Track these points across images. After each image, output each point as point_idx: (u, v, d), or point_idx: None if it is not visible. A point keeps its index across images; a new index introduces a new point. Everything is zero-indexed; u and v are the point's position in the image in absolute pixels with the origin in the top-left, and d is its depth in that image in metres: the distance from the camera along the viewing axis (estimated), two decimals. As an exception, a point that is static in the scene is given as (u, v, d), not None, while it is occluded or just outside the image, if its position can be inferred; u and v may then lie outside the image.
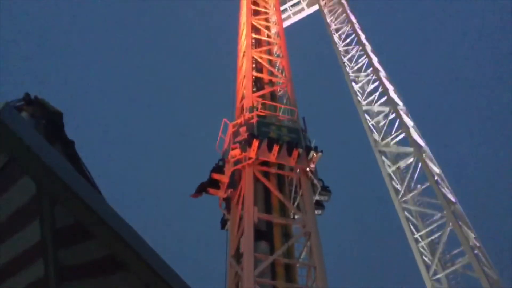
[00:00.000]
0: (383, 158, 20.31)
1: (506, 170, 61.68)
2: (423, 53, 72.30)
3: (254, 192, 12.21)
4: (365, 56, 24.51)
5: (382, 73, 23.53)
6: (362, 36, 25.91)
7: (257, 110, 13.81)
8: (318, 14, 30.96)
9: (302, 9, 31.80)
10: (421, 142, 20.10)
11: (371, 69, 23.76)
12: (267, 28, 19.67)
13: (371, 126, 21.73)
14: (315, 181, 12.95)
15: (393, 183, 19.34)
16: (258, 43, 18.58)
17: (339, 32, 27.40)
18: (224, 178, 12.75)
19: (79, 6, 70.41)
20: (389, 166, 19.85)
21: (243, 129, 13.00)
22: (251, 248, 10.87)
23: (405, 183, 18.86)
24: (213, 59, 65.40)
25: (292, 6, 31.60)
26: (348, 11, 27.68)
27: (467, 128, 67.45)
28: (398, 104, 21.69)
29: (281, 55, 18.23)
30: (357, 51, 25.23)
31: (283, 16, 28.95)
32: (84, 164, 3.58)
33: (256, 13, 20.54)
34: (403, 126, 20.36)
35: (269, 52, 18.30)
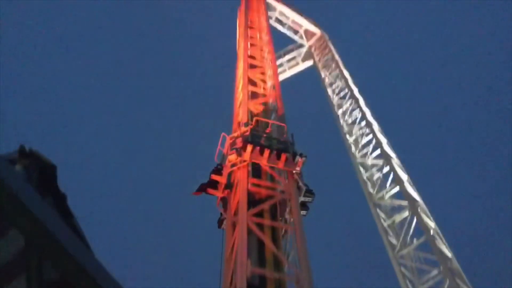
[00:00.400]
0: (378, 211, 20.17)
1: (502, 223, 61.35)
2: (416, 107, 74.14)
3: (248, 244, 12.02)
4: (358, 109, 25.01)
5: (376, 127, 23.91)
6: (355, 90, 26.56)
7: (251, 125, 15.93)
8: (313, 68, 31.95)
9: (297, 64, 32.84)
10: (415, 195, 20.06)
11: (364, 122, 24.16)
12: (263, 81, 20.28)
13: (365, 179, 21.77)
14: (301, 184, 14.59)
15: (389, 237, 19.08)
16: (254, 95, 19.18)
17: (333, 86, 28.13)
18: (222, 179, 14.58)
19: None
20: (384, 220, 19.67)
21: (239, 140, 15.07)
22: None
23: (401, 238, 18.61)
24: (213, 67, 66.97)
25: (288, 61, 32.67)
26: (341, 67, 28.57)
27: (460, 179, 67.80)
28: (392, 158, 21.85)
29: (276, 107, 18.66)
30: (350, 105, 25.77)
31: (279, 70, 29.82)
32: (76, 218, 3.51)
33: (252, 66, 21.15)
34: (397, 180, 20.40)
35: (265, 104, 18.85)
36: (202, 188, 14.66)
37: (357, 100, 25.56)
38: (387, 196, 20.40)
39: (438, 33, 76.75)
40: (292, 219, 13.68)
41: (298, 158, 14.69)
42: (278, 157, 14.53)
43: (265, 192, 14.22)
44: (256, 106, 18.14)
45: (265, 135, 15.26)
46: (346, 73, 28.05)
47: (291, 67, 32.73)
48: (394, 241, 18.92)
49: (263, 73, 21.02)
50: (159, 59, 76.10)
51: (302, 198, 14.45)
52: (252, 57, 21.87)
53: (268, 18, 29.18)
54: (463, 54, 73.48)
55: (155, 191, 67.46)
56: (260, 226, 13.02)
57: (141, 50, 76.11)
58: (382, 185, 20.90)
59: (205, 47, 75.07)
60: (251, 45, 22.82)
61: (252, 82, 19.58)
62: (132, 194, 67.78)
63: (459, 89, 72.92)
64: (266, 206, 13.65)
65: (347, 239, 60.98)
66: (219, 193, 14.58)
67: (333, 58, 29.77)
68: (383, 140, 23.04)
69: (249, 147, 14.38)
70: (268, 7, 30.80)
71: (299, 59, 32.91)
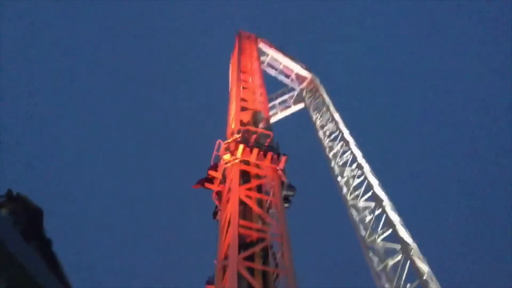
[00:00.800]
0: (371, 255, 19.91)
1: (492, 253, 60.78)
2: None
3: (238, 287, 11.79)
4: (349, 151, 25.21)
5: (367, 168, 24.03)
6: (346, 133, 26.89)
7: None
8: (305, 111, 32.46)
9: (289, 106, 33.40)
10: (408, 238, 19.89)
11: (355, 164, 24.30)
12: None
13: (357, 221, 21.63)
14: (283, 178, 16.85)
15: (382, 282, 18.71)
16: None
17: (324, 129, 28.49)
18: (218, 175, 16.79)
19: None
20: (377, 265, 19.37)
21: (232, 144, 17.29)
22: None
23: (394, 282, 18.27)
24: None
25: (279, 103, 33.25)
26: (332, 110, 29.07)
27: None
28: (383, 200, 21.83)
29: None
30: (341, 147, 26.01)
31: (271, 112, 30.27)
32: (60, 265, 3.43)
33: (244, 109, 21.44)
34: (389, 222, 20.28)
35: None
36: (201, 182, 16.92)
37: (347, 143, 25.83)
38: (379, 239, 20.20)
39: (426, 63, 78.99)
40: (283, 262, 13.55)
41: (282, 157, 17.11)
42: (265, 155, 16.84)
43: (256, 234, 14.07)
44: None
45: (254, 140, 17.33)
46: (337, 116, 28.50)
47: (283, 109, 33.25)
48: (387, 286, 18.55)
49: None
50: (158, 60, 77.21)
51: (285, 192, 16.73)
52: (244, 99, 22.23)
53: (261, 62, 29.92)
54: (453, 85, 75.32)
55: (154, 190, 67.28)
56: (251, 270, 12.77)
57: (139, 49, 77.31)
58: (374, 228, 20.75)
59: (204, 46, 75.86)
60: (243, 88, 23.26)
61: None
62: (128, 194, 67.23)
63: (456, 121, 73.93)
64: (257, 249, 13.46)
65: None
66: (215, 187, 16.80)
67: (324, 101, 30.33)
68: (375, 182, 23.09)
69: (241, 146, 16.62)
70: (261, 52, 31.65)
71: (290, 102, 33.49)
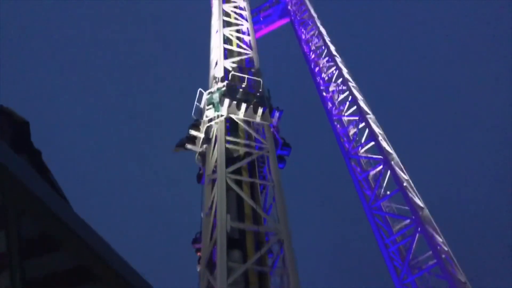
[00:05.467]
0: (354, 165, 20.73)
1: (470, 172, 63.86)
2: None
3: (227, 200, 12.25)
4: (335, 67, 25.05)
5: (352, 83, 24.10)
6: (332, 48, 26.49)
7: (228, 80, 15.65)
8: (290, 25, 31.49)
9: (274, 21, 32.28)
10: (390, 149, 20.63)
11: (341, 79, 24.30)
12: (239, 39, 19.81)
13: (341, 134, 22.18)
14: (278, 137, 14.88)
15: (363, 190, 19.74)
16: (230, 54, 18.74)
17: (310, 44, 27.93)
18: (200, 134, 14.60)
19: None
20: (360, 174, 20.27)
21: (215, 95, 14.87)
22: (224, 257, 10.87)
23: (375, 190, 19.28)
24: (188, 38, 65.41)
25: (264, 17, 32.04)
26: (318, 24, 28.27)
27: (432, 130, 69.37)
28: (367, 113, 22.23)
29: (253, 66, 18.38)
30: (327, 62, 25.76)
31: (255, 27, 29.25)
32: (51, 173, 3.55)
33: (228, 24, 20.70)
34: (372, 135, 20.87)
35: (241, 63, 18.48)
36: (182, 143, 14.72)
37: (334, 58, 25.55)
38: (362, 151, 20.91)
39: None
40: (270, 175, 13.92)
41: (276, 113, 14.94)
42: (255, 111, 14.56)
43: (242, 149, 14.33)
44: (232, 64, 17.78)
45: (241, 89, 15.14)
46: (323, 31, 27.82)
47: (267, 24, 32.17)
48: (368, 193, 19.60)
49: (238, 31, 20.58)
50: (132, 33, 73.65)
51: (279, 152, 14.72)
52: (227, 14, 21.37)
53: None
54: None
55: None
56: (239, 182, 13.25)
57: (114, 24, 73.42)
58: (358, 140, 21.37)
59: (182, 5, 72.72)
60: (226, 1, 22.21)
61: (227, 40, 19.11)
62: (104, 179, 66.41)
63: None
64: (244, 163, 13.81)
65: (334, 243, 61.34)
66: (197, 148, 14.67)
67: (310, 15, 29.37)
68: (359, 97, 23.32)
69: (226, 101, 14.34)
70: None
71: (275, 16, 32.32)
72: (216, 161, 13.54)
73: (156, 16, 75.59)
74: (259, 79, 16.12)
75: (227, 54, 18.61)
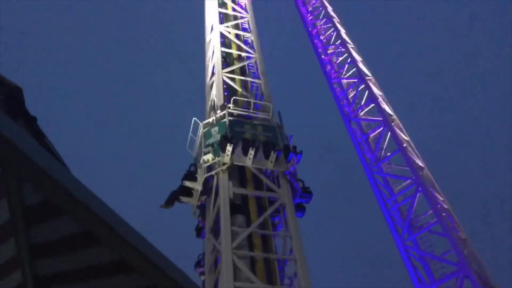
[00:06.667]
0: (353, 127, 20.70)
1: (470, 133, 63.94)
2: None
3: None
4: (333, 28, 24.58)
5: (350, 45, 23.71)
6: (330, 8, 25.91)
7: (229, 108, 12.78)
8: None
9: (269, -18, 31.38)
10: (390, 111, 20.53)
11: (339, 41, 23.89)
12: (234, 2, 19.20)
13: (341, 97, 22.03)
14: (296, 185, 12.30)
15: (363, 152, 19.79)
16: (225, 18, 18.19)
17: (307, 5, 27.29)
18: (197, 186, 12.05)
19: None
20: (360, 136, 20.26)
21: (215, 130, 12.16)
22: (228, 222, 10.98)
23: (375, 152, 19.33)
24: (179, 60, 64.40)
25: (258, -21, 31.12)
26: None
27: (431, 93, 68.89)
28: (367, 75, 21.99)
29: (249, 30, 17.86)
30: (325, 23, 25.26)
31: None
32: (48, 139, 3.51)
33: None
34: (372, 97, 20.72)
35: (237, 27, 17.87)
36: (173, 198, 12.13)
37: (332, 19, 25.03)
38: (362, 113, 20.82)
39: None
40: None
41: (294, 157, 11.98)
42: (267, 156, 11.70)
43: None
44: (229, 29, 17.11)
45: (247, 123, 12.35)
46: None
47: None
48: (368, 155, 19.66)
49: (233, 1, 19.77)
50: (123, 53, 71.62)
51: (298, 200, 12.39)
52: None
53: None
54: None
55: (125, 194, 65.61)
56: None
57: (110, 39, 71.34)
58: (358, 103, 21.25)
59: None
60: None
61: (222, 4, 18.11)
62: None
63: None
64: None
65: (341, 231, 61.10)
66: (194, 201, 12.19)
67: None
68: (358, 58, 23.00)
69: (229, 148, 11.47)
70: None
71: (270, -23, 31.42)
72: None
73: (159, 17, 73.56)
74: (269, 103, 13.30)
75: (223, 17, 17.90)
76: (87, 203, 3.63)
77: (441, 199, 18.46)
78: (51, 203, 3.69)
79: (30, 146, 3.23)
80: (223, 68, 14.15)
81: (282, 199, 12.08)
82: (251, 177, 12.73)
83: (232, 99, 13.02)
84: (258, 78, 15.37)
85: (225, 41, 16.76)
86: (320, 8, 26.11)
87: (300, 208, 12.42)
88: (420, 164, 18.98)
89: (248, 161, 11.74)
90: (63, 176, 3.42)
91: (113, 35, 71.61)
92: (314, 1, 26.88)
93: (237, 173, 12.69)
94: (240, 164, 11.84)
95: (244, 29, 17.71)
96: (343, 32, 24.66)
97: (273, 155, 11.67)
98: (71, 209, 3.67)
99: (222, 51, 15.68)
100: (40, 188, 3.52)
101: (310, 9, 26.67)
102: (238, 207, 11.96)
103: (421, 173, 18.58)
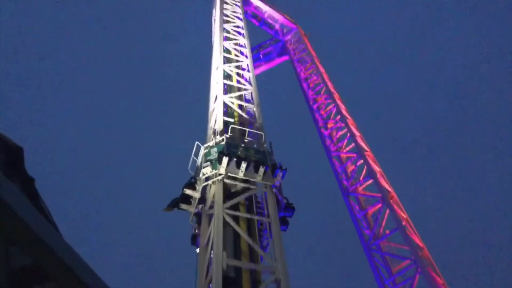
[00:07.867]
0: (352, 203, 20.55)
1: (464, 208, 63.57)
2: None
3: (223, 236, 12.01)
4: (333, 104, 25.33)
5: (350, 121, 24.28)
6: (330, 85, 26.89)
7: (226, 133, 15.13)
8: (289, 63, 32.13)
9: (273, 58, 32.96)
10: (388, 187, 20.51)
11: (339, 116, 24.51)
12: (239, 75, 20.07)
13: (340, 171, 22.11)
14: (280, 198, 13.94)
15: (362, 228, 19.46)
16: (229, 89, 18.90)
17: (308, 81, 28.38)
18: (196, 194, 13.68)
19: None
20: (358, 212, 20.05)
21: (214, 150, 14.21)
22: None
23: (374, 229, 19.01)
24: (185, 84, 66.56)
25: (263, 55, 32.75)
26: (317, 62, 28.84)
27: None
28: (365, 150, 22.26)
29: (252, 101, 18.45)
30: (326, 99, 26.08)
31: (255, 64, 29.82)
32: (44, 202, 3.46)
33: (228, 60, 21.05)
34: (371, 172, 20.81)
35: (241, 98, 18.54)
36: (174, 204, 13.71)
37: (332, 95, 25.88)
38: (361, 188, 20.78)
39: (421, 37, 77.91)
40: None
41: (279, 172, 13.83)
42: (256, 170, 13.61)
43: (240, 186, 14.08)
44: (232, 100, 17.83)
45: (242, 145, 14.38)
46: (321, 68, 28.34)
47: (267, 61, 32.84)
48: (367, 232, 19.31)
49: (238, 67, 20.89)
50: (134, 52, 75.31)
51: (282, 213, 13.73)
52: (227, 51, 21.78)
53: (244, 12, 29.13)
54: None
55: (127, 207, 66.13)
56: (236, 218, 13.02)
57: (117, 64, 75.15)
58: (356, 178, 21.29)
59: (180, 44, 74.71)
60: (227, 38, 22.71)
61: (227, 76, 19.36)
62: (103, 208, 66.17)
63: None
64: (241, 199, 13.61)
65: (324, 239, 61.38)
66: (192, 208, 13.65)
67: (308, 53, 30.01)
68: (357, 134, 23.44)
69: (225, 160, 13.41)
70: (244, 2, 30.73)
71: (274, 54, 33.03)
72: (213, 197, 13.37)
73: (161, 17, 76.98)
74: (261, 132, 15.47)
75: (227, 88, 18.80)
76: (75, 270, 3.49)
77: (441, 282, 17.83)
78: (39, 268, 3.56)
79: (23, 207, 3.18)
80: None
81: (276, 274, 11.70)
82: (246, 248, 12.51)
83: (230, 127, 15.32)
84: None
85: (227, 111, 17.28)
86: (321, 85, 27.10)
87: (284, 222, 13.88)
88: (420, 244, 18.58)
89: (240, 173, 13.63)
90: (52, 240, 3.33)
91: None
92: (315, 78, 27.98)
93: (232, 243, 12.44)
94: (233, 175, 13.67)
95: (247, 101, 18.34)
96: (343, 108, 25.39)
97: (261, 169, 13.69)
98: (58, 276, 3.53)
99: (224, 120, 16.39)
100: (28, 252, 3.42)
101: (311, 85, 27.69)
102: (231, 280, 11.54)
103: (420, 254, 18.12)
